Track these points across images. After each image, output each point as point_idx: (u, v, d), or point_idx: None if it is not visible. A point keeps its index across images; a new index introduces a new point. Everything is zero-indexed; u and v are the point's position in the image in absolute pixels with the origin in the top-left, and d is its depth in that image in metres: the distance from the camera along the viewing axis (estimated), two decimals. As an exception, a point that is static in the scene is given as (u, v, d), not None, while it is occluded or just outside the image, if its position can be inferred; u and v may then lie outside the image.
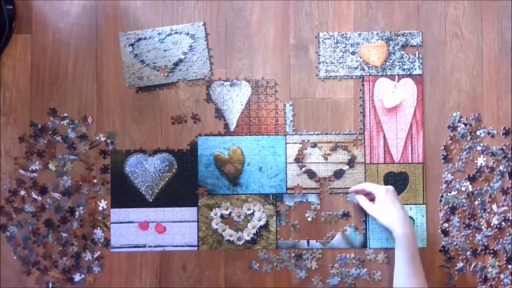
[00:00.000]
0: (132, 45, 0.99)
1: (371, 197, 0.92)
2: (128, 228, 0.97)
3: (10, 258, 0.97)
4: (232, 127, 0.99)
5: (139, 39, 0.99)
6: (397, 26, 0.99)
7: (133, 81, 0.99)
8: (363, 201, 0.93)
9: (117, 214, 0.97)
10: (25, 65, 0.98)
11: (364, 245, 0.97)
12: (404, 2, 0.99)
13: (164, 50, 0.99)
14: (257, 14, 1.00)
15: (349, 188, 0.97)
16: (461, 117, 0.98)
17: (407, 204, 0.97)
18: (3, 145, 0.98)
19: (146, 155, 0.98)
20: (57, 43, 0.99)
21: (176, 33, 0.99)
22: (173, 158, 0.98)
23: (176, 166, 0.98)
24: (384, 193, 0.89)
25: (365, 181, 0.97)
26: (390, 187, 0.91)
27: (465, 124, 0.98)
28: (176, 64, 0.99)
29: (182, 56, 0.99)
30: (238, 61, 0.99)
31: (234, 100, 0.99)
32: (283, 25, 1.00)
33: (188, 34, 0.99)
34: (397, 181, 0.98)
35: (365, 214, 0.97)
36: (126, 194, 0.97)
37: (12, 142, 0.98)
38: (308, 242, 0.97)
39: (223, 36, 1.00)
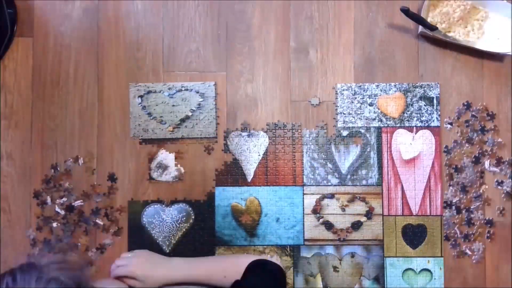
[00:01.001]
0: (141, 96, 0.99)
1: None
2: (145, 279, 0.97)
3: (10, 259, 0.96)
4: (250, 178, 0.98)
5: (149, 92, 0.99)
6: (398, 28, 0.99)
7: (137, 132, 0.99)
8: None
9: (134, 265, 0.97)
10: (26, 69, 0.99)
11: (382, 298, 0.97)
12: (404, 3, 0.98)
13: (173, 105, 0.99)
14: (257, 17, 1.00)
15: (367, 239, 0.97)
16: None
17: (424, 256, 0.97)
18: (4, 148, 0.98)
19: (164, 206, 0.98)
20: (59, 46, 1.00)
21: (186, 89, 0.99)
22: (190, 209, 0.98)
23: (193, 217, 0.98)
24: None
25: (383, 233, 0.97)
26: None
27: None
28: (182, 121, 0.99)
29: (190, 113, 0.99)
30: (239, 64, 1.00)
31: (252, 150, 0.99)
32: (283, 28, 1.00)
33: (198, 92, 0.99)
34: (415, 233, 0.97)
35: (383, 267, 0.96)
36: (143, 245, 0.97)
37: (13, 144, 0.98)
38: (325, 295, 0.97)
39: (223, 38, 1.00)
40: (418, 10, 0.98)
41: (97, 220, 0.97)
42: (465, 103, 0.99)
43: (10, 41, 0.98)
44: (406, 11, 0.92)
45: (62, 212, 0.97)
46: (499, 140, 0.98)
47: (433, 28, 0.95)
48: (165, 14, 1.00)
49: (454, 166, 0.97)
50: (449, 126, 0.98)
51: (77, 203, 0.97)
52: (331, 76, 1.00)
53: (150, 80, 1.00)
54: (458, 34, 0.98)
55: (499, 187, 0.98)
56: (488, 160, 0.98)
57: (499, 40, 0.97)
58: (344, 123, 0.99)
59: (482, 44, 0.98)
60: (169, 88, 1.00)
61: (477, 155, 0.98)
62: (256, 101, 1.00)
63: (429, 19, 0.97)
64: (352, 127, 0.99)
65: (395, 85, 0.99)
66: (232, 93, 1.00)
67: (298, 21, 1.00)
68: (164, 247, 0.97)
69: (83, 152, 0.99)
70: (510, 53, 0.95)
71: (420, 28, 0.97)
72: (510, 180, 0.98)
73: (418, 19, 0.95)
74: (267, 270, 0.89)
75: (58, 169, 0.98)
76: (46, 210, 0.98)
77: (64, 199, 0.97)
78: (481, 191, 0.97)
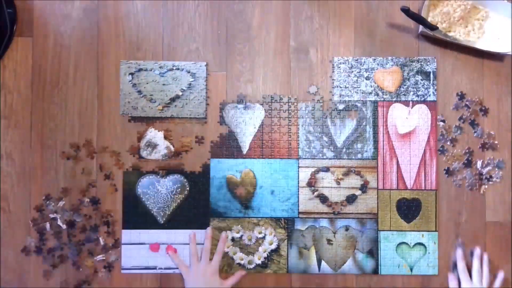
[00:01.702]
0: (132, 74, 0.99)
1: None
2: (139, 250, 0.97)
3: (10, 258, 0.97)
4: (245, 150, 0.98)
5: (140, 70, 0.99)
6: (398, 28, 0.99)
7: (127, 109, 0.99)
8: None
9: (128, 235, 0.97)
10: (26, 68, 0.99)
11: (375, 271, 0.97)
12: (404, 3, 0.98)
13: (163, 84, 0.99)
14: (257, 17, 1.00)
15: (362, 213, 0.97)
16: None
17: (419, 230, 0.97)
18: (4, 147, 0.98)
19: (159, 177, 0.98)
20: (58, 46, 0.99)
21: (178, 69, 0.99)
22: (185, 180, 0.98)
23: (188, 188, 0.98)
24: None
25: (377, 207, 0.97)
26: None
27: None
28: (172, 100, 0.99)
29: (180, 93, 0.99)
30: (239, 64, 1.00)
31: (247, 122, 0.99)
32: (283, 28, 1.00)
33: (189, 72, 0.99)
34: (410, 207, 0.97)
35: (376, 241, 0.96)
36: (137, 216, 0.97)
37: (13, 144, 0.98)
38: (319, 267, 0.97)
39: (223, 38, 1.00)
40: (419, 9, 0.98)
41: (99, 237, 0.97)
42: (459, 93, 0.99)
43: (9, 41, 0.98)
44: (406, 11, 0.92)
45: (64, 227, 0.97)
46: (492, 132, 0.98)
47: (433, 27, 0.95)
48: (165, 14, 1.00)
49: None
50: (441, 123, 0.98)
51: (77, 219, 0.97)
52: (326, 79, 0.99)
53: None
54: (459, 34, 0.98)
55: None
56: (481, 161, 0.98)
57: (500, 39, 0.97)
58: (340, 96, 0.99)
59: (482, 44, 0.98)
60: (160, 67, 0.99)
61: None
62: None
63: (429, 19, 0.97)
64: (348, 100, 0.99)
65: (392, 59, 0.99)
66: (232, 93, 0.99)
67: (298, 21, 1.00)
68: (158, 218, 0.97)
69: (83, 151, 0.98)
70: (510, 53, 0.95)
71: (421, 27, 0.97)
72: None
73: (419, 19, 0.95)
74: None
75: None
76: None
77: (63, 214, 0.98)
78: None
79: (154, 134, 0.98)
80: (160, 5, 1.00)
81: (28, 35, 0.99)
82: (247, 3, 1.00)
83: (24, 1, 0.99)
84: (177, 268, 0.96)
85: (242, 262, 0.97)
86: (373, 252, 0.97)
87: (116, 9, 1.00)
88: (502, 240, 0.98)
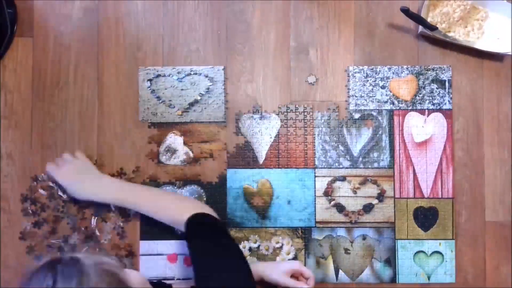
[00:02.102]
0: (150, 80, 0.99)
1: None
2: (157, 260, 0.97)
3: (10, 258, 0.97)
4: (261, 160, 0.99)
5: (158, 76, 0.99)
6: (398, 28, 0.99)
7: (146, 116, 0.99)
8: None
9: (146, 246, 0.97)
10: (26, 68, 0.99)
11: (393, 280, 0.97)
12: (404, 3, 0.98)
13: (181, 89, 0.99)
14: (257, 17, 1.00)
15: (379, 222, 0.97)
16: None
17: (436, 239, 0.97)
18: (4, 148, 0.98)
19: (176, 187, 0.98)
20: (59, 46, 0.99)
21: (196, 74, 0.99)
22: (202, 191, 0.98)
23: (205, 199, 0.98)
24: None
25: (394, 216, 0.97)
26: None
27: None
28: (191, 105, 0.99)
29: (198, 98, 0.99)
30: (239, 64, 1.00)
31: (263, 132, 0.99)
32: (283, 28, 1.00)
33: (207, 76, 0.99)
34: (427, 216, 0.97)
35: (394, 250, 0.96)
36: (155, 226, 0.97)
37: (13, 145, 0.98)
38: (337, 277, 0.97)
39: (223, 38, 1.00)
40: (418, 10, 0.98)
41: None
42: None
43: (10, 41, 0.98)
44: (406, 11, 0.92)
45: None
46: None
47: (433, 28, 0.95)
48: (165, 14, 1.00)
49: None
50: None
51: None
52: (331, 76, 1.00)
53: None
54: (458, 34, 0.98)
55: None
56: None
57: (499, 40, 0.97)
58: (356, 105, 0.99)
59: (482, 44, 0.98)
60: (178, 72, 1.00)
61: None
62: (256, 101, 1.00)
63: (429, 19, 0.97)
64: (364, 109, 0.99)
65: (407, 68, 0.99)
66: (232, 93, 1.00)
67: (298, 21, 1.00)
68: (175, 228, 0.97)
69: (83, 151, 0.98)
70: (510, 53, 0.95)
71: (420, 28, 0.97)
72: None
73: (418, 19, 0.95)
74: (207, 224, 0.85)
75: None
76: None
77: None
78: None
79: (174, 139, 0.99)
80: (160, 5, 1.00)
81: (28, 35, 0.99)
82: (247, 3, 1.00)
83: (25, 1, 1.00)
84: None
85: (259, 272, 0.97)
86: (390, 261, 0.97)
87: (116, 9, 1.00)
88: (502, 240, 0.98)
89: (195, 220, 0.82)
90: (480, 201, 0.98)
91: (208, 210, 0.88)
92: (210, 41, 1.00)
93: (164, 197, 0.94)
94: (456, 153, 0.98)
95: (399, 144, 0.98)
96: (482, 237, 0.97)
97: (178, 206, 0.89)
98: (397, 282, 0.97)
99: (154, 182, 0.98)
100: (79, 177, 0.92)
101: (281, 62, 1.00)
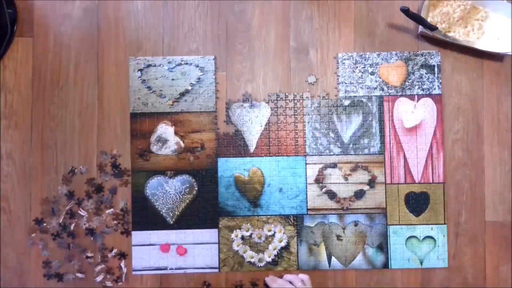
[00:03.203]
0: (141, 70, 0.99)
1: None
2: (149, 251, 0.97)
3: (10, 259, 0.97)
4: (252, 148, 0.99)
5: (149, 66, 0.99)
6: (398, 28, 0.99)
7: (137, 106, 0.99)
8: None
9: (138, 236, 0.97)
10: (26, 68, 0.99)
11: (386, 265, 0.97)
12: (404, 3, 0.98)
13: (172, 79, 0.99)
14: (257, 17, 1.00)
15: (370, 208, 0.97)
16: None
17: (428, 224, 0.97)
18: (4, 148, 0.98)
19: (167, 177, 0.98)
20: (59, 46, 0.99)
21: (186, 63, 0.99)
22: (193, 180, 0.98)
23: (196, 188, 0.98)
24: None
25: (386, 201, 0.97)
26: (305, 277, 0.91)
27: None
28: (182, 95, 0.99)
29: (189, 87, 0.99)
30: (239, 64, 1.00)
31: (254, 121, 0.99)
32: (283, 28, 1.00)
33: (197, 66, 0.99)
34: (418, 201, 0.97)
35: (386, 236, 0.97)
36: (146, 217, 0.97)
37: (13, 144, 0.98)
38: (329, 263, 0.97)
39: (223, 39, 1.00)
40: (418, 10, 0.98)
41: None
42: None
43: (10, 41, 0.98)
44: (406, 11, 0.92)
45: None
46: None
47: (433, 28, 0.95)
48: (165, 14, 1.00)
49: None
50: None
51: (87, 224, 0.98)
52: (331, 76, 1.00)
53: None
54: (458, 34, 0.98)
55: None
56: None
57: (499, 40, 0.97)
58: (345, 92, 0.99)
59: (482, 44, 0.98)
60: (169, 62, 1.00)
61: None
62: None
63: (429, 19, 0.97)
64: (354, 96, 0.99)
65: (396, 54, 0.99)
66: (232, 93, 1.00)
67: (298, 21, 1.00)
68: (168, 219, 0.97)
69: (83, 151, 0.98)
70: (510, 53, 0.96)
71: (420, 28, 0.97)
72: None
73: (418, 19, 0.95)
74: None
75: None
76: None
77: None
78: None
79: (165, 129, 0.99)
80: (160, 5, 1.00)
81: (28, 35, 0.99)
82: (247, 3, 1.00)
83: (25, 1, 1.00)
84: (188, 268, 0.96)
85: (252, 260, 0.97)
86: (382, 247, 0.97)
87: (116, 9, 1.00)
88: (502, 240, 0.98)
89: None
90: (480, 201, 0.98)
91: None
92: (210, 41, 1.00)
93: None
94: (456, 153, 0.98)
95: (389, 130, 0.98)
96: (482, 237, 0.98)
97: None
98: (389, 267, 0.97)
99: (145, 172, 0.98)
100: None
101: (281, 62, 1.00)
